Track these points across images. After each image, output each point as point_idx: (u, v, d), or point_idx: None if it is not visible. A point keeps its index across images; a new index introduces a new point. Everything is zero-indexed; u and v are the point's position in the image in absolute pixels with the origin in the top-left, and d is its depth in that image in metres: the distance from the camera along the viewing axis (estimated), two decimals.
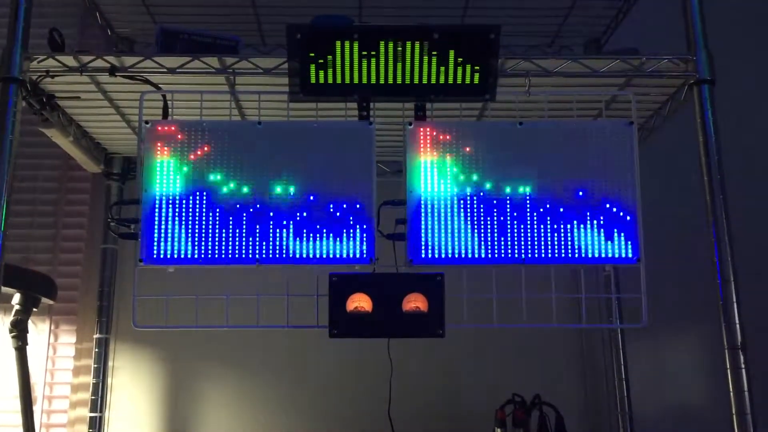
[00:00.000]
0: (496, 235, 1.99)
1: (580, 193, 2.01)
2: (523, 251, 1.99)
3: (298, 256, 1.96)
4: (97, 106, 2.43)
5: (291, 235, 1.97)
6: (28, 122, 2.28)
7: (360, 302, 1.89)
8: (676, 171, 2.78)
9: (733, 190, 2.05)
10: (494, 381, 2.77)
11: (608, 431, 2.83)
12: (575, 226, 1.99)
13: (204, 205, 1.97)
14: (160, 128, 2.00)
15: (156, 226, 1.96)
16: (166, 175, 1.98)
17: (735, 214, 2.03)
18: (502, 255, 1.99)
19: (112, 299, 2.82)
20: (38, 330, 2.74)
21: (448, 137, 2.02)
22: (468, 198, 2.00)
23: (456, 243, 1.98)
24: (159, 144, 1.99)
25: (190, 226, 1.96)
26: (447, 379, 2.85)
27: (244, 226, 1.96)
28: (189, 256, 1.95)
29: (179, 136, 2.00)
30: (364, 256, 1.96)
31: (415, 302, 1.90)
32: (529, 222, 1.99)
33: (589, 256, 1.99)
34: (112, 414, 2.78)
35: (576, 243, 1.99)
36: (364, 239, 1.96)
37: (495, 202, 2.00)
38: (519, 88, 2.15)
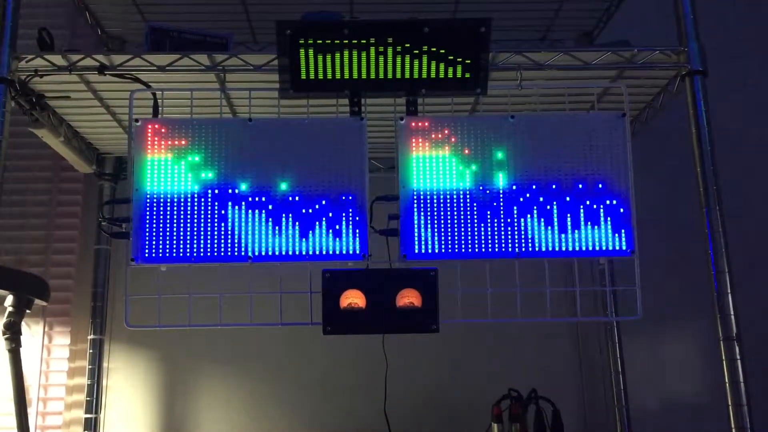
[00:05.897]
0: (489, 229, 1.98)
1: (573, 186, 2.00)
2: (516, 245, 1.98)
3: (290, 253, 1.95)
4: (88, 105, 2.41)
5: (283, 232, 1.96)
6: (19, 123, 2.27)
7: (353, 298, 1.88)
8: (669, 163, 2.78)
9: (726, 182, 2.05)
10: (490, 376, 2.76)
11: (605, 424, 2.83)
12: (569, 219, 1.99)
13: (195, 203, 1.96)
14: (150, 127, 1.99)
15: (147, 225, 1.95)
16: (157, 173, 1.97)
17: (729, 204, 2.03)
18: (496, 249, 1.98)
19: (106, 300, 2.81)
20: (32, 332, 2.72)
21: (439, 132, 2.02)
22: (461, 192, 1.99)
23: (449, 238, 1.98)
24: (149, 142, 1.98)
25: (181, 225, 1.95)
26: (442, 375, 2.84)
27: (236, 224, 1.96)
28: (181, 254, 1.94)
29: (169, 135, 1.99)
30: (357, 252, 1.95)
31: (409, 298, 1.89)
32: (522, 216, 1.99)
33: (583, 249, 1.99)
34: (108, 415, 2.77)
35: (570, 236, 1.99)
36: (357, 235, 1.96)
37: (488, 195, 2.00)
38: (511, 81, 2.15)
